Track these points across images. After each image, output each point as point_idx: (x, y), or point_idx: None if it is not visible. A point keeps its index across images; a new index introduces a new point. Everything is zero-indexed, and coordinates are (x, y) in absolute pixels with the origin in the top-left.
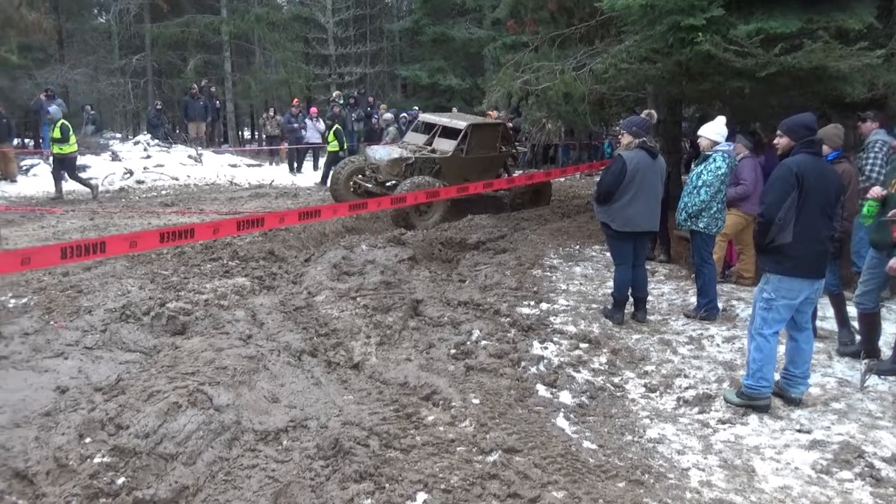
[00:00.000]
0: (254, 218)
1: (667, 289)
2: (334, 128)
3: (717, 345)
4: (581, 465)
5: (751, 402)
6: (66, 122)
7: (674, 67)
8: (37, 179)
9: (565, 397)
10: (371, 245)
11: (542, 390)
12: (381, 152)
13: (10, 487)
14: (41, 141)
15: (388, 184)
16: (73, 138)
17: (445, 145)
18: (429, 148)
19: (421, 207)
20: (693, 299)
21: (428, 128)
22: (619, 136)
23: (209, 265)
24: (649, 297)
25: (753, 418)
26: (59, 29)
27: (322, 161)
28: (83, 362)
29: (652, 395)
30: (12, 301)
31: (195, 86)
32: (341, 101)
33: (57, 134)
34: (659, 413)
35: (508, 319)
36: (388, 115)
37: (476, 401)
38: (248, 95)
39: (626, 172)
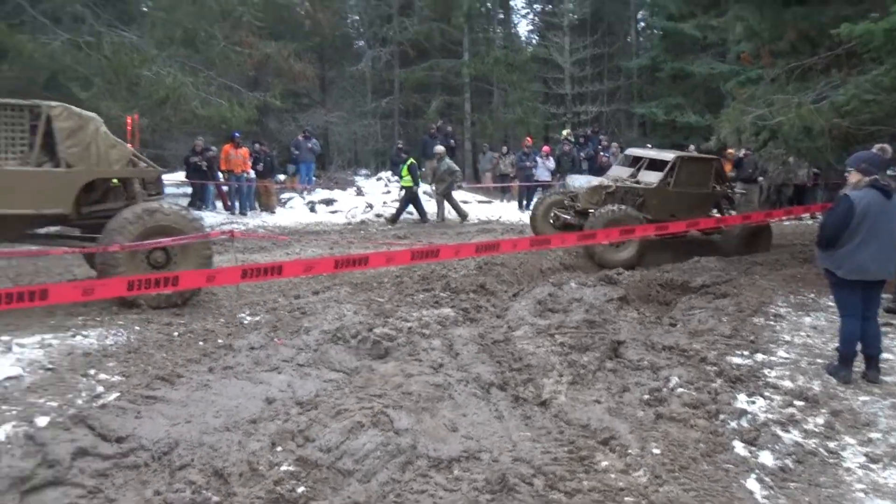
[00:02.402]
0: (429, 249)
1: None
2: (409, 162)
3: None
4: None
5: None
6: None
7: None
8: (293, 211)
9: (765, 458)
10: (580, 283)
11: (738, 447)
12: (580, 180)
13: (209, 483)
14: (297, 176)
15: (589, 212)
16: None
17: (651, 177)
18: (632, 180)
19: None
20: None
21: (634, 161)
22: (847, 174)
23: (421, 295)
24: (889, 356)
25: None
26: (321, 76)
27: None
28: (293, 377)
29: (873, 466)
30: (247, 318)
31: (433, 125)
32: (572, 140)
33: None
34: (877, 487)
35: (715, 368)
36: (440, 148)
37: (657, 450)
38: (484, 135)
39: (853, 214)
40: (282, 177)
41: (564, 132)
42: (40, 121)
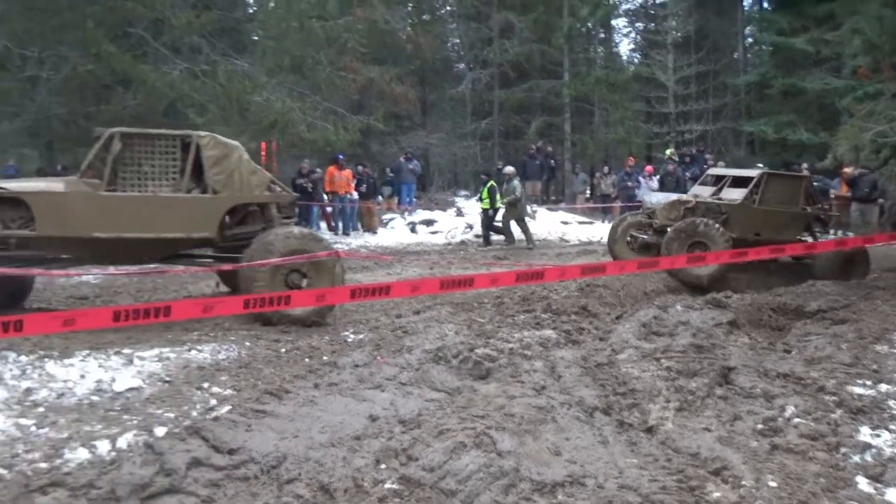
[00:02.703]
0: (534, 272)
1: None
2: (489, 184)
3: None
4: None
5: None
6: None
7: None
8: (394, 232)
9: (892, 495)
10: (686, 306)
11: (862, 483)
12: (657, 196)
13: (315, 498)
14: (392, 198)
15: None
16: None
17: (734, 194)
18: (715, 197)
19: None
20: None
21: (717, 181)
22: None
23: (522, 316)
24: None
25: None
26: (422, 99)
27: None
28: (395, 396)
29: None
30: (351, 336)
31: (532, 146)
32: (676, 159)
33: None
34: None
35: (834, 398)
36: (510, 169)
37: (773, 483)
38: (585, 155)
39: None
40: (380, 198)
41: (668, 151)
42: (190, 149)
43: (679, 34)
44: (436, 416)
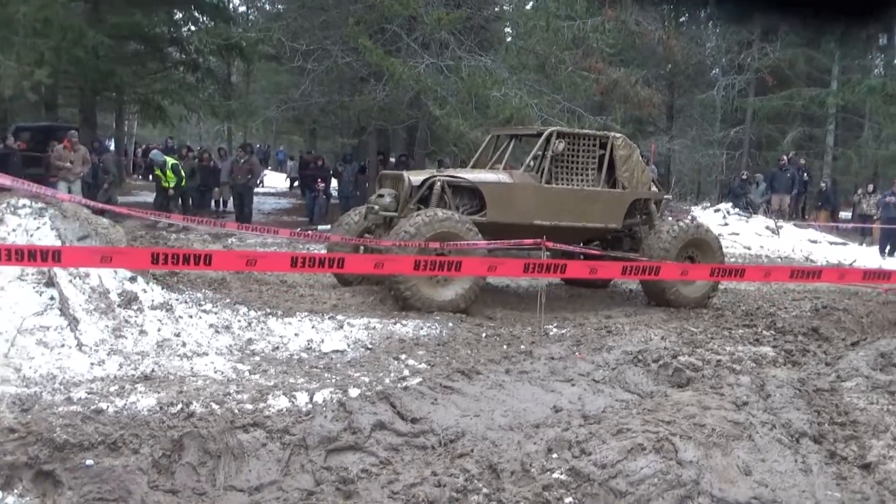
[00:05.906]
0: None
1: None
2: None
3: None
4: None
5: None
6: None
7: None
8: None
9: None
10: None
11: None
12: None
13: (481, 476)
14: None
15: None
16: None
17: None
18: None
19: None
20: None
21: None
22: None
23: (741, 330)
24: None
25: None
26: (669, 103)
27: None
28: (585, 392)
29: None
30: (554, 330)
31: (784, 157)
32: None
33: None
34: None
35: None
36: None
37: None
38: (848, 171)
39: None
40: None
41: None
42: (606, 148)
43: None
44: (619, 415)
